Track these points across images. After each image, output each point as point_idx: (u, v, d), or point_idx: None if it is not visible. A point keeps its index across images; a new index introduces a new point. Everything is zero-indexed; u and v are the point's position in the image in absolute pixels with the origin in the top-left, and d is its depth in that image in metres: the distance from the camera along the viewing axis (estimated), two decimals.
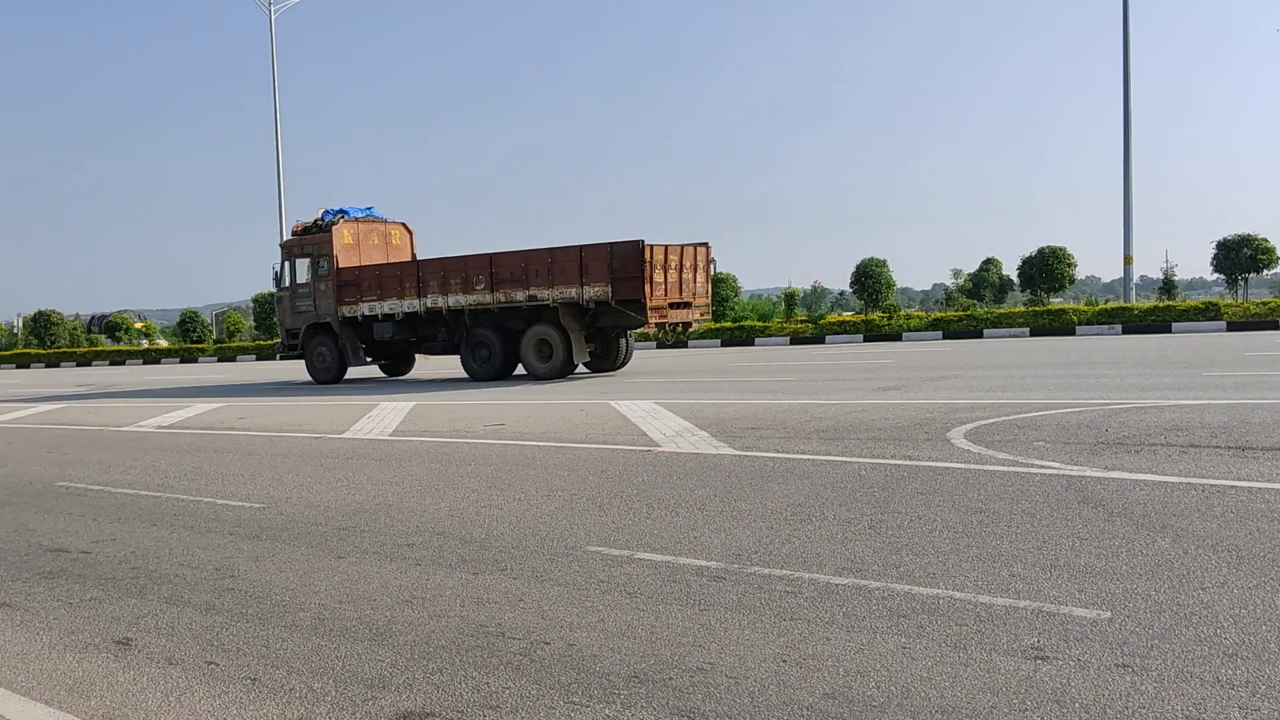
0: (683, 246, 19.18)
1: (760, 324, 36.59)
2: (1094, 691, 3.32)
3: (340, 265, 21.69)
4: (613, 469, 8.14)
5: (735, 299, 40.15)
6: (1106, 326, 29.38)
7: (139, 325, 58.24)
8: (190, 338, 50.47)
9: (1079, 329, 29.73)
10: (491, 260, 19.76)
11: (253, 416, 14.42)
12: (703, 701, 3.41)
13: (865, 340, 32.75)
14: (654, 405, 12.32)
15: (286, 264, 22.81)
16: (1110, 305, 33.10)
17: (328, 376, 22.30)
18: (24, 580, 5.64)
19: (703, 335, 36.36)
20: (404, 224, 23.58)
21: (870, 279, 38.25)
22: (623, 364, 20.99)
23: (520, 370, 19.89)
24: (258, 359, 42.65)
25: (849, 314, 41.89)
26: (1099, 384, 12.76)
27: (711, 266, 20.25)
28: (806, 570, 4.89)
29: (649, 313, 18.20)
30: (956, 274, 49.29)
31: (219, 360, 43.71)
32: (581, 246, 18.80)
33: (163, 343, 53.34)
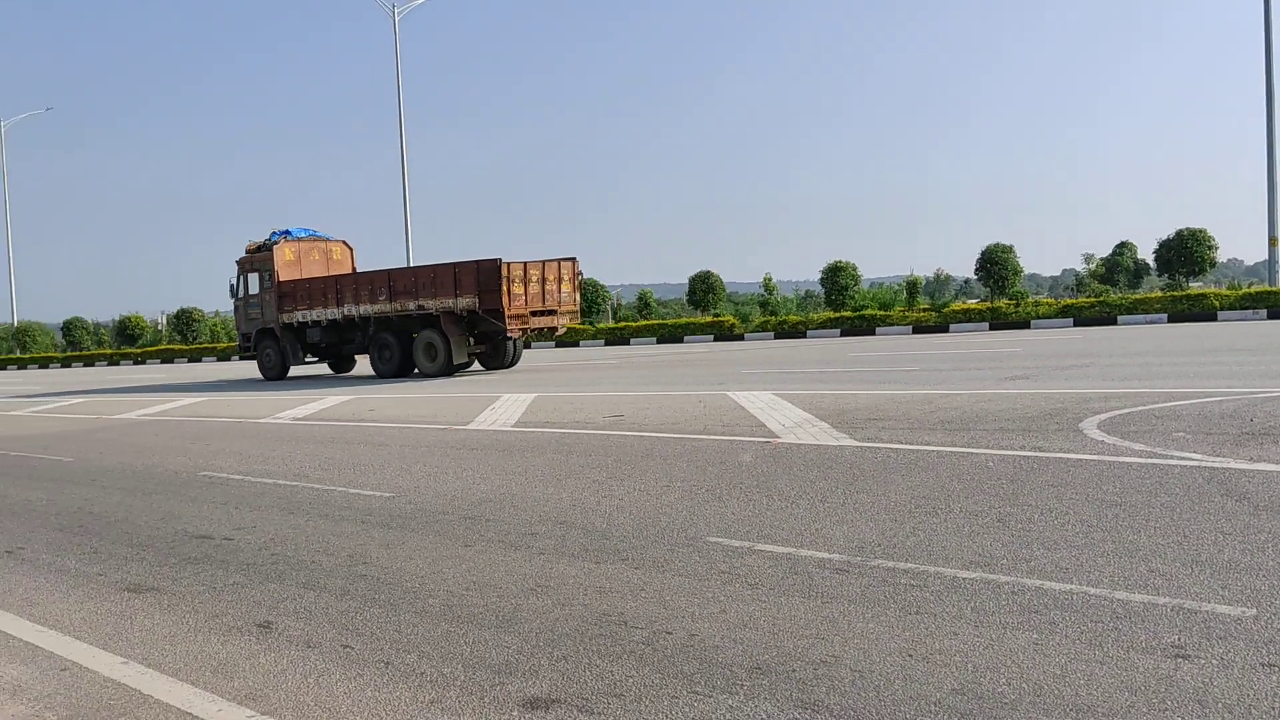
0: (545, 262, 22.14)
1: (881, 313, 35.99)
2: (1238, 691, 3.17)
3: (280, 279, 25.51)
4: (732, 460, 8.12)
5: (855, 288, 39.54)
6: (1250, 311, 27.99)
7: None
8: None
9: (1221, 314, 28.40)
10: (389, 275, 23.69)
11: (382, 409, 14.87)
12: (826, 694, 3.39)
13: (991, 328, 31.92)
14: (772, 396, 12.25)
15: (241, 278, 26.61)
16: (1254, 289, 31.46)
17: (273, 374, 26.16)
18: (171, 565, 5.94)
19: (821, 325, 36.04)
20: (344, 241, 27.39)
21: (996, 265, 37.18)
22: (512, 363, 24.10)
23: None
24: None
25: (974, 302, 40.80)
26: (1242, 371, 12.15)
27: (578, 278, 23.20)
28: (932, 564, 4.80)
29: (508, 320, 21.31)
30: (1088, 259, 47.55)
31: None
32: (455, 264, 22.12)
33: None
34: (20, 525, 7.53)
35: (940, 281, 42.51)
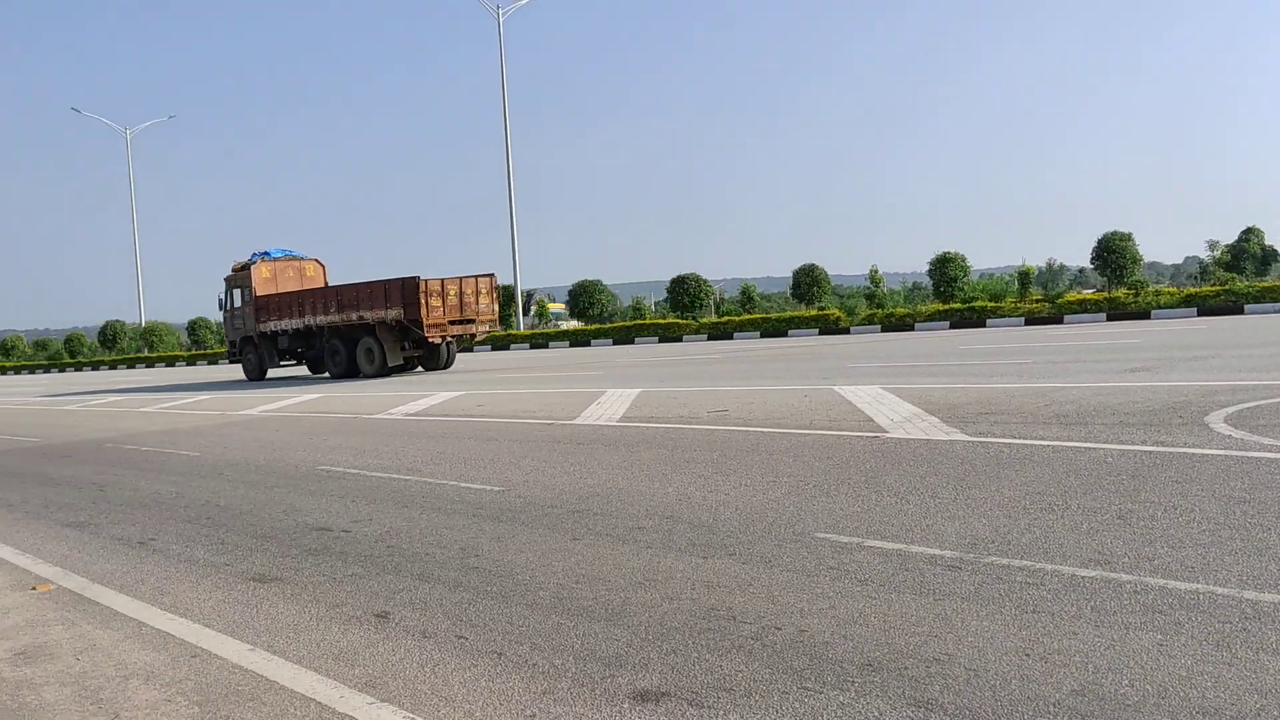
0: (462, 278, 25.90)
1: (992, 304, 35.14)
2: None
3: (257, 294, 29.72)
4: (839, 455, 8.04)
5: (964, 279, 38.69)
6: None
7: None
8: None
9: None
10: (338, 291, 27.63)
11: (489, 404, 15.14)
12: (940, 693, 3.33)
13: (1109, 319, 30.90)
14: (880, 390, 12.07)
15: (228, 293, 31.12)
16: None
17: (254, 376, 30.55)
18: (293, 557, 6.15)
19: (930, 317, 35.39)
20: (317, 259, 31.36)
21: (1114, 254, 35.96)
22: (446, 365, 27.82)
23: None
24: (492, 349, 44.70)
25: (1090, 292, 39.50)
26: None
27: (496, 292, 26.88)
28: (1049, 561, 4.67)
29: (427, 328, 25.12)
30: (1212, 245, 45.65)
31: (458, 351, 46.08)
32: (385, 281, 25.99)
33: None
34: (152, 517, 7.89)
35: (1054, 271, 41.29)
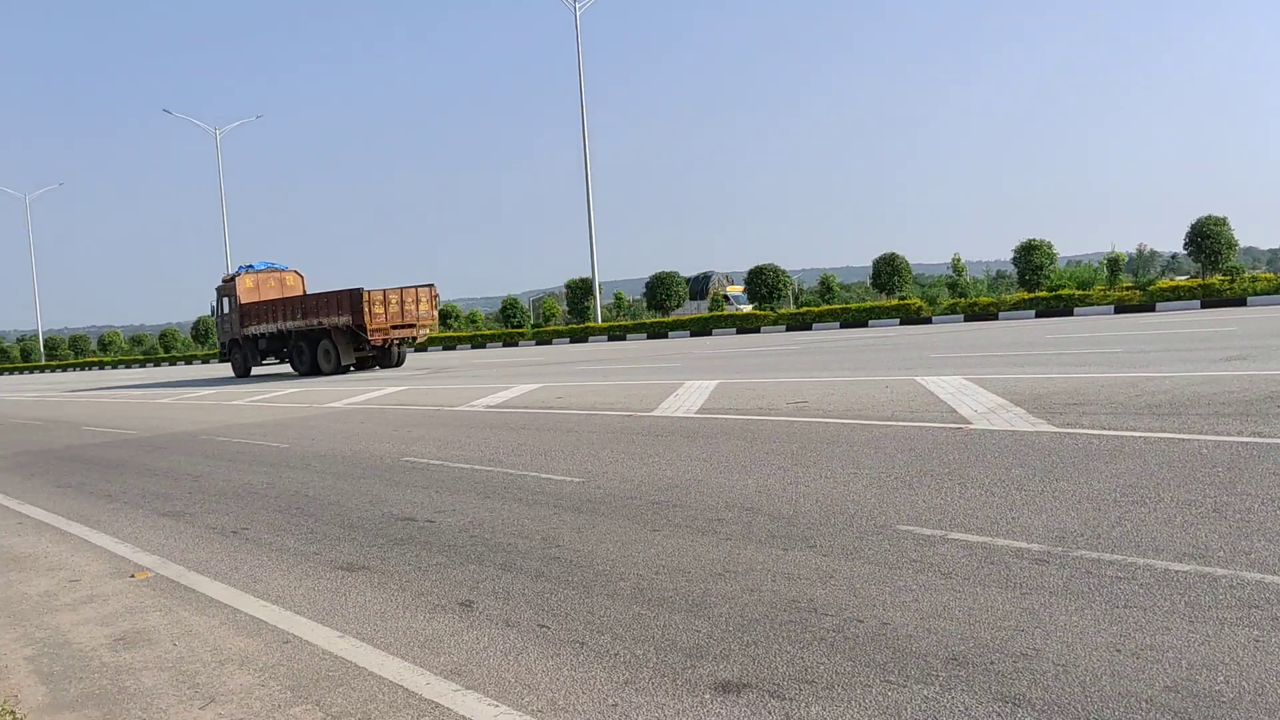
0: (403, 288, 30.22)
1: (1080, 292, 34.30)
2: None
3: (241, 302, 34.14)
4: (921, 447, 7.93)
5: (1050, 266, 37.80)
6: None
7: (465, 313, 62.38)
8: (511, 323, 54.02)
9: None
10: (302, 300, 31.75)
11: (569, 396, 15.25)
12: (1028, 688, 3.28)
13: (1203, 306, 29.96)
14: (963, 381, 11.87)
15: (219, 300, 35.79)
16: None
17: (241, 373, 35.05)
18: (379, 546, 6.28)
19: (1015, 306, 34.69)
20: (297, 271, 35.81)
21: (1208, 239, 34.76)
22: (398, 364, 32.23)
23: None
24: (571, 341, 45.00)
25: (1183, 278, 38.30)
26: None
27: (435, 300, 31.41)
28: (1141, 555, 4.56)
29: (370, 333, 29.39)
30: None
31: (537, 343, 46.52)
32: (337, 292, 30.10)
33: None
34: (244, 507, 8.13)
35: (1144, 258, 40.02)
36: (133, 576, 6.10)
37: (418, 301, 30.56)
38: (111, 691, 4.13)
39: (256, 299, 34.21)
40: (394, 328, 29.93)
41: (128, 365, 70.82)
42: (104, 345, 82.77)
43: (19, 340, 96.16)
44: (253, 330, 33.77)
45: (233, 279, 34.80)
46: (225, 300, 35.39)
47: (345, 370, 30.75)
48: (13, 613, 5.54)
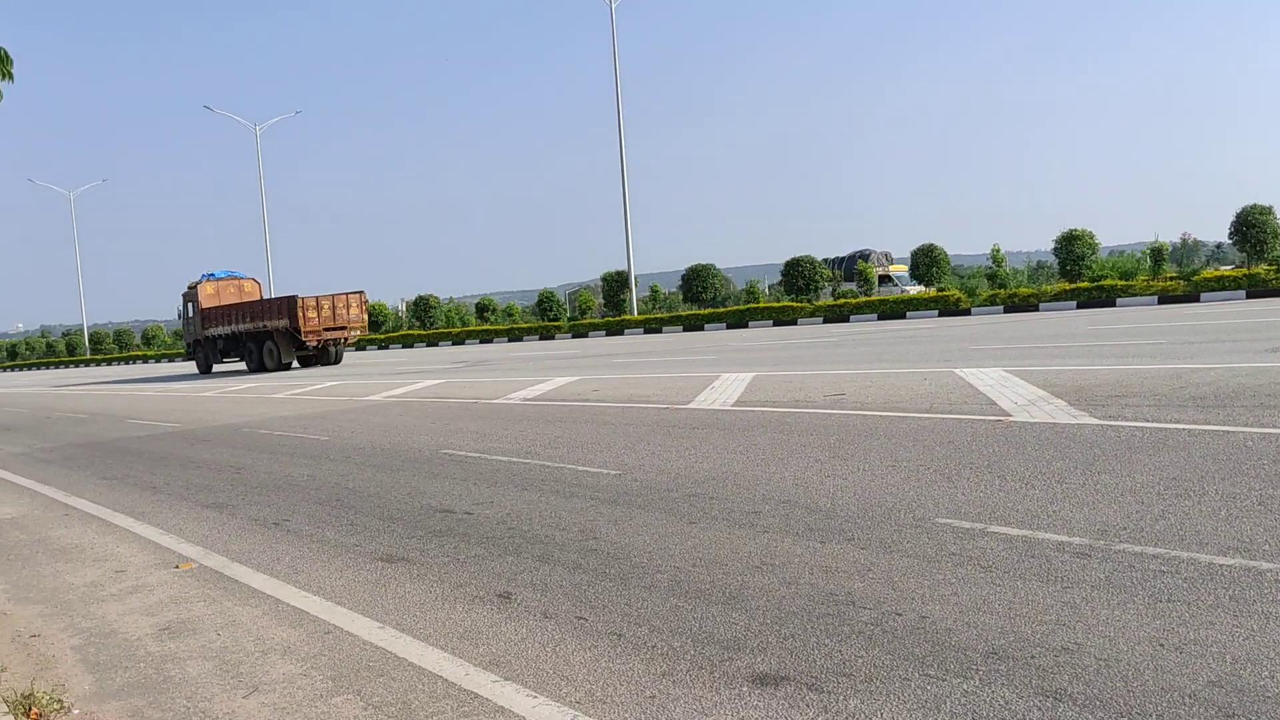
0: (335, 295, 34.51)
1: (1122, 283, 33.81)
2: None
3: (203, 307, 38.04)
4: (960, 439, 7.87)
5: (1092, 256, 37.30)
6: None
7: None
8: (547, 316, 54.16)
9: None
10: (250, 305, 36.36)
11: (605, 389, 15.28)
12: (1070, 683, 3.25)
13: (1249, 297, 29.44)
14: (1003, 373, 11.76)
15: (185, 305, 39.50)
16: None
17: (204, 370, 39.00)
18: (418, 538, 6.33)
19: (1055, 297, 34.32)
20: (255, 279, 40.17)
21: (1253, 228, 34.13)
22: (336, 361, 36.41)
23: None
24: (607, 334, 45.04)
25: (1228, 268, 37.65)
26: None
27: (365, 304, 35.80)
28: (1184, 549, 4.50)
29: (305, 334, 33.62)
30: None
31: (573, 336, 46.61)
32: (276, 298, 35.42)
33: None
34: (285, 499, 8.22)
35: (1188, 247, 39.39)
36: (177, 567, 6.19)
37: (348, 306, 34.91)
38: (156, 680, 4.20)
39: (217, 304, 38.21)
40: (326, 330, 34.31)
41: (170, 359, 71.77)
42: (148, 339, 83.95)
43: (64, 335, 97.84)
44: (212, 332, 37.93)
45: (196, 286, 38.94)
46: (190, 305, 39.34)
47: (287, 368, 34.83)
48: (60, 603, 5.65)
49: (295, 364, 35.91)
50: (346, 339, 35.51)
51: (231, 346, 37.69)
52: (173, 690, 4.06)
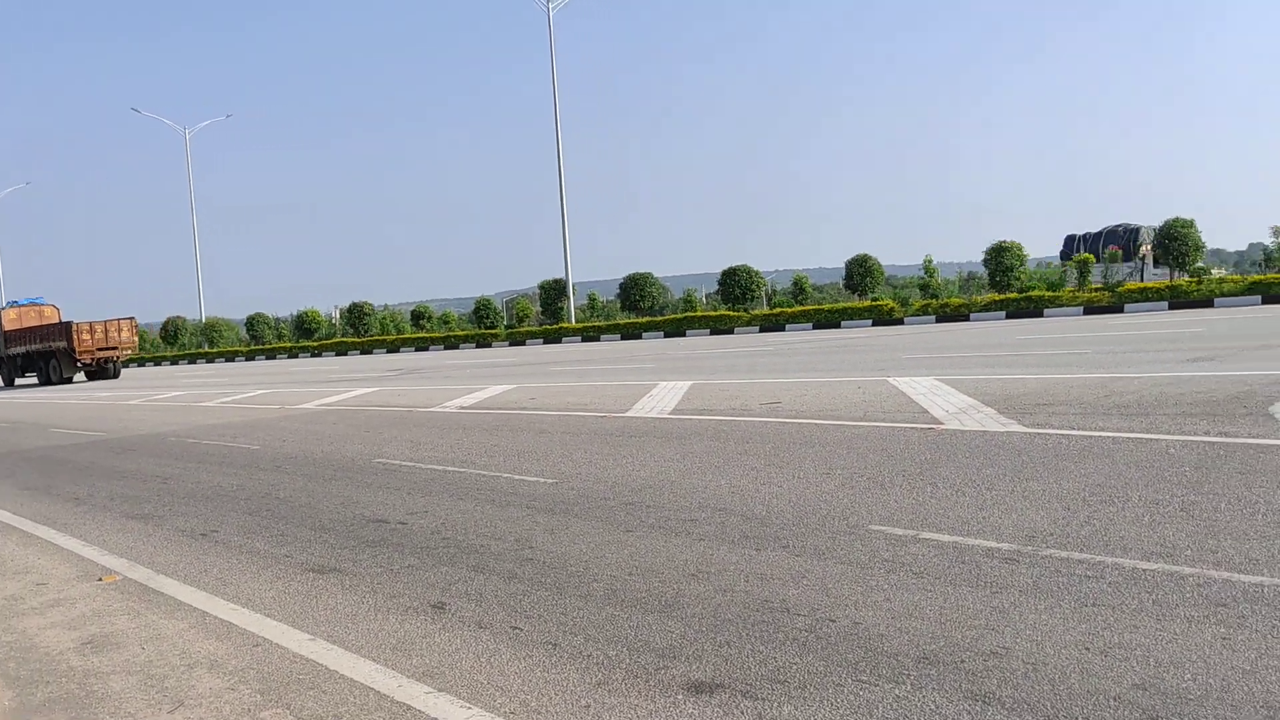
0: (107, 321, 41.81)
1: (1049, 294, 34.62)
2: None
3: (6, 329, 44.36)
4: (893, 447, 7.97)
5: (1020, 268, 38.09)
6: None
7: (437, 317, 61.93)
8: (484, 324, 53.82)
9: None
10: (38, 329, 42.96)
11: (542, 397, 15.21)
12: (998, 686, 3.30)
13: (1170, 308, 30.31)
14: (935, 381, 11.95)
15: None
16: None
17: (8, 382, 44.98)
18: (351, 548, 6.24)
19: (985, 307, 34.97)
20: (55, 305, 46.18)
21: (1175, 241, 35.18)
22: (114, 376, 43.15)
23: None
24: (545, 342, 44.91)
25: (1151, 280, 38.71)
26: None
27: (135, 328, 43.37)
28: (1109, 554, 4.60)
29: (79, 354, 40.82)
30: (1277, 231, 44.49)
31: (510, 344, 46.39)
32: (57, 323, 42.62)
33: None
34: (214, 509, 8.06)
35: (1112, 260, 40.38)
36: (100, 580, 6.03)
37: (120, 330, 42.22)
38: (79, 696, 4.08)
39: (19, 326, 44.63)
40: (100, 350, 41.49)
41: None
42: None
43: None
44: (14, 350, 44.55)
45: (2, 310, 45.82)
46: None
47: (68, 381, 42.09)
48: None
49: (82, 378, 43.80)
50: (118, 358, 42.98)
51: (28, 363, 44.39)
52: (96, 706, 3.95)
